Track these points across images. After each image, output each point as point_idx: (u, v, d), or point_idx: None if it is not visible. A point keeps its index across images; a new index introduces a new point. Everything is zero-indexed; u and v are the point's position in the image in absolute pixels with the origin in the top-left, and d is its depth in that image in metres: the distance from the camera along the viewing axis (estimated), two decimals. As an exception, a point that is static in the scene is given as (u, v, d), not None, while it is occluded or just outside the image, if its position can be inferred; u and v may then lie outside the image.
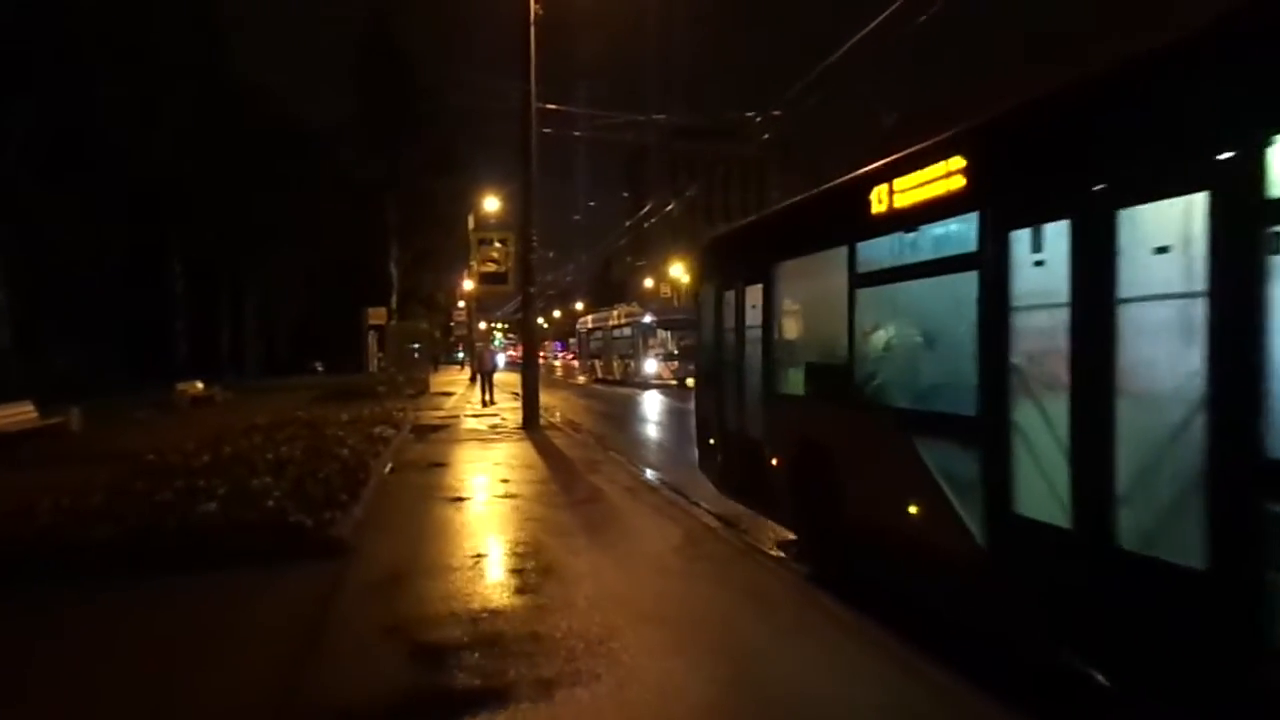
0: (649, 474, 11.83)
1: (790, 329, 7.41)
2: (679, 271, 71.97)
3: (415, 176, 41.35)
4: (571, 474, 11.34)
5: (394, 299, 42.08)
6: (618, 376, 39.17)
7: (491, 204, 36.75)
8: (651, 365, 36.01)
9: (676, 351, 36.07)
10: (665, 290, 68.73)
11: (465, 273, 46.56)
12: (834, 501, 6.14)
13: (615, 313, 41.66)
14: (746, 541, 7.77)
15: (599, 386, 38.56)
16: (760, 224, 8.04)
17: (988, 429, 4.46)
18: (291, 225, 38.97)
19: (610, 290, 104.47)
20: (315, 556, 6.98)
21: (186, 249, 39.43)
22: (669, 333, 36.48)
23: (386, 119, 41.13)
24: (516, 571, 6.69)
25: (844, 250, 6.02)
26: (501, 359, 39.37)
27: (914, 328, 5.59)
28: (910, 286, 5.37)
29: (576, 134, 34.20)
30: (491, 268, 22.63)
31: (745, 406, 8.02)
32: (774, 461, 7.23)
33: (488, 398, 25.32)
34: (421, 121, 41.34)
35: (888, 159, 5.57)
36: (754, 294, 7.81)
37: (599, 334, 43.59)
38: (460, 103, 43.18)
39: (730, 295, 8.35)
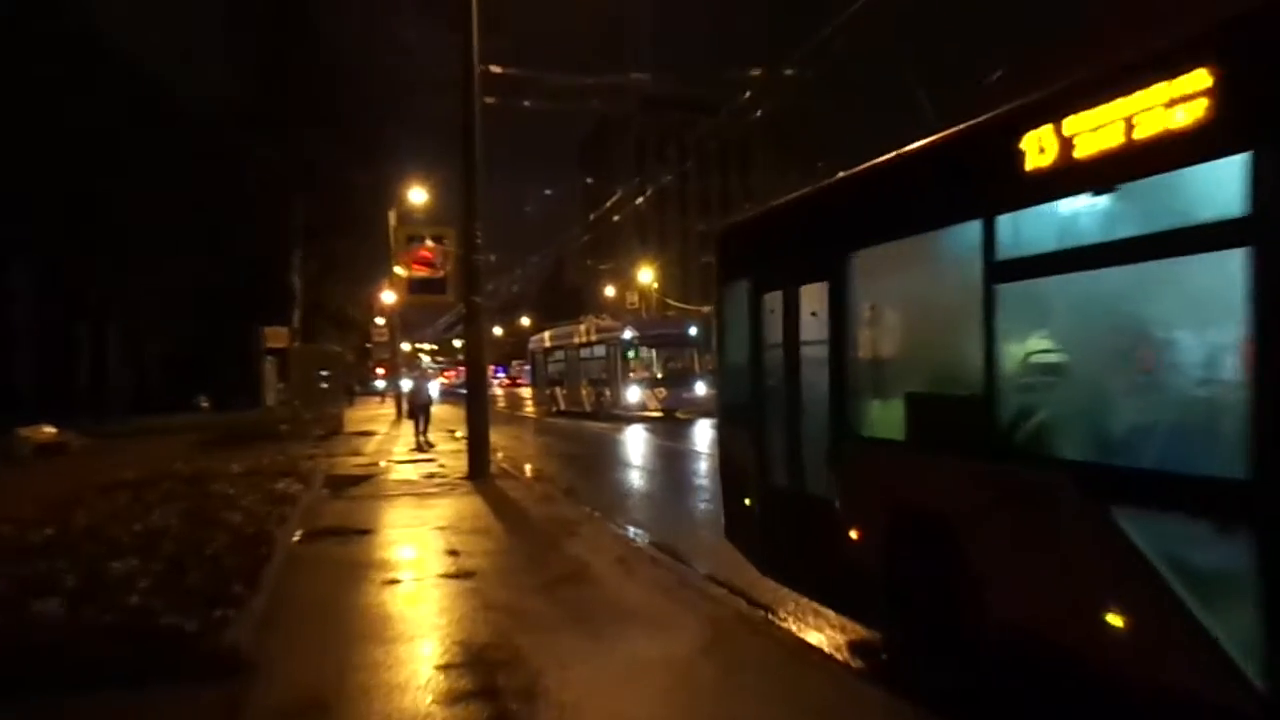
0: (643, 539, 11.55)
1: (875, 345, 6.78)
2: (649, 277, 71.62)
3: (324, 165, 40.30)
4: (541, 541, 10.97)
5: (297, 316, 40.87)
6: (587, 407, 38.80)
7: (418, 196, 35.99)
8: (634, 393, 35.69)
9: (663, 375, 35.82)
10: (632, 299, 68.29)
11: (386, 282, 45.77)
12: (959, 598, 5.42)
13: (583, 327, 41.34)
14: (800, 639, 7.24)
15: (561, 421, 38.24)
16: (820, 199, 7.32)
17: (1270, 499, 3.57)
18: (167, 226, 37.61)
19: (563, 300, 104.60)
20: (201, 676, 6.16)
21: (28, 256, 37.87)
22: (654, 351, 36.27)
23: (287, 94, 40.13)
24: (486, 696, 5.81)
25: (972, 228, 5.27)
26: (435, 388, 38.42)
27: (1109, 339, 4.66)
28: (1099, 279, 4.51)
29: (526, 104, 33.35)
30: (424, 272, 21.74)
31: (801, 454, 7.47)
32: (852, 534, 6.61)
33: (422, 439, 25.17)
34: (332, 98, 40.37)
35: (1053, 89, 4.77)
36: (812, 296, 7.23)
37: (560, 354, 43.20)
38: (382, 70, 42.25)
39: (773, 300, 7.85)
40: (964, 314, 5.41)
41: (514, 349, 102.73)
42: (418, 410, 25.98)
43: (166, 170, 36.45)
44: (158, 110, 37.33)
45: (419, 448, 24.19)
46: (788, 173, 64.46)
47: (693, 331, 36.92)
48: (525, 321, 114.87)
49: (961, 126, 5.70)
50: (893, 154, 6.47)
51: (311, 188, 40.83)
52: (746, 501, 8.62)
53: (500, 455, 20.96)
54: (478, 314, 17.48)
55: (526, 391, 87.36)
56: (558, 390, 42.73)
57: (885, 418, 6.40)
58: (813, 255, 7.31)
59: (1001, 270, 5.17)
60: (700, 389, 35.10)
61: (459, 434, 28.81)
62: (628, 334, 36.44)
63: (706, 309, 69.20)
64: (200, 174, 37.87)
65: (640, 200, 50.43)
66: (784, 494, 7.81)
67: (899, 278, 6.55)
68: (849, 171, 7.06)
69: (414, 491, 15.73)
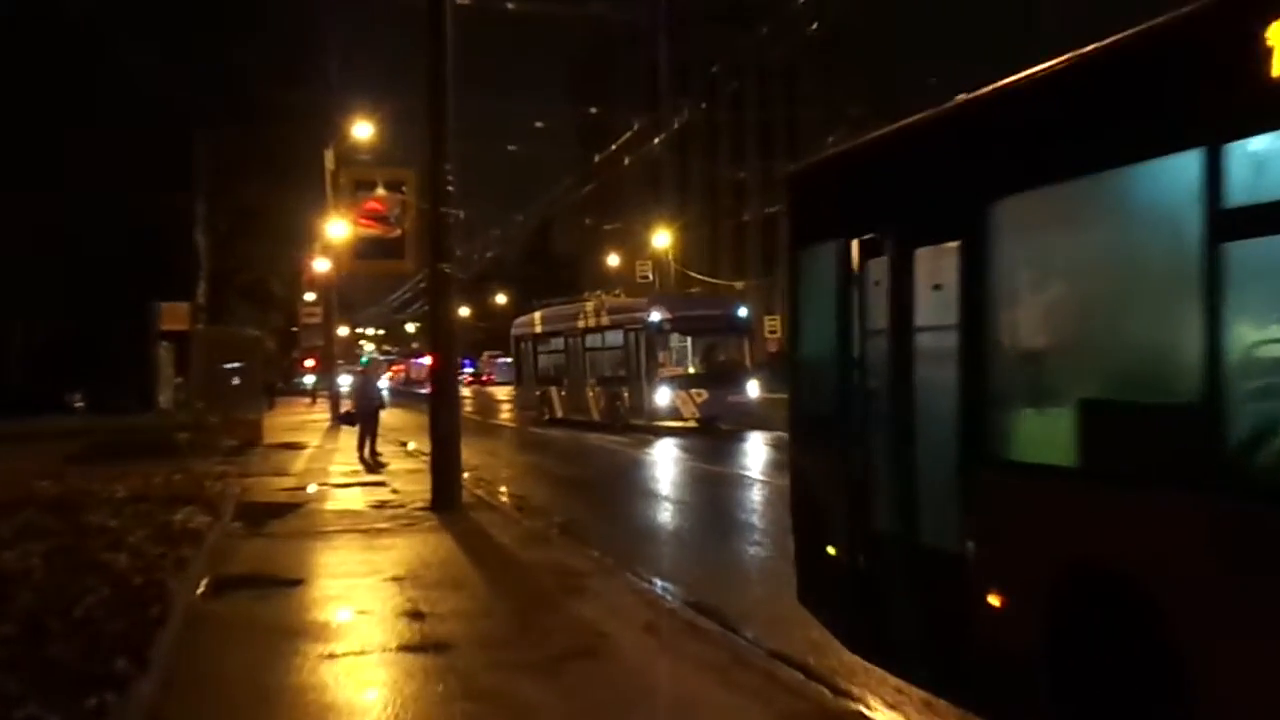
0: (677, 597, 11.45)
1: (1033, 331, 6.66)
2: (665, 242, 71.50)
3: (235, 80, 40.06)
4: (536, 599, 11.00)
5: (202, 289, 40.68)
6: (596, 414, 38.85)
7: (363, 131, 35.70)
8: (663, 395, 35.54)
9: (702, 372, 35.95)
10: (643, 271, 68.16)
11: (320, 245, 45.65)
12: (1165, 701, 5.17)
13: (589, 306, 41.28)
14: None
15: (557, 432, 38.17)
16: (954, 125, 7.17)
17: None
18: (27, 166, 37.31)
19: (550, 272, 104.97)
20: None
21: None
22: (689, 340, 36.43)
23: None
24: None
25: (1187, 162, 5.07)
26: (384, 387, 38.28)
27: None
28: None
29: (510, 4, 33.13)
30: (374, 230, 21.53)
31: (914, 485, 7.40)
32: (991, 599, 6.49)
33: (368, 453, 25.51)
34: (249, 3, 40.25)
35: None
36: (936, 263, 7.14)
37: (557, 343, 43.19)
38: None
39: (876, 268, 7.79)
40: (1173, 285, 5.25)
41: (486, 336, 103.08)
42: (364, 416, 26.10)
43: (19, 88, 36.12)
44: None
45: (365, 466, 24.42)
46: (850, 106, 64.35)
47: (741, 313, 37.01)
48: (501, 299, 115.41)
49: (1169, 18, 5.31)
50: (1065, 58, 6.14)
51: (219, 115, 40.50)
52: (830, 551, 8.50)
53: (473, 477, 21.31)
54: (448, 287, 17.46)
55: (503, 392, 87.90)
56: (553, 391, 42.57)
57: (1048, 434, 6.21)
58: (939, 205, 7.07)
59: (1234, 221, 4.91)
60: (751, 390, 35.20)
61: (414, 448, 29.04)
62: (655, 315, 36.04)
63: (740, 285, 69.24)
64: (66, 92, 37.47)
65: (657, 141, 49.89)
66: (886, 541, 7.70)
67: (1070, 235, 6.34)
68: (998, 85, 6.73)
69: (360, 526, 15.80)
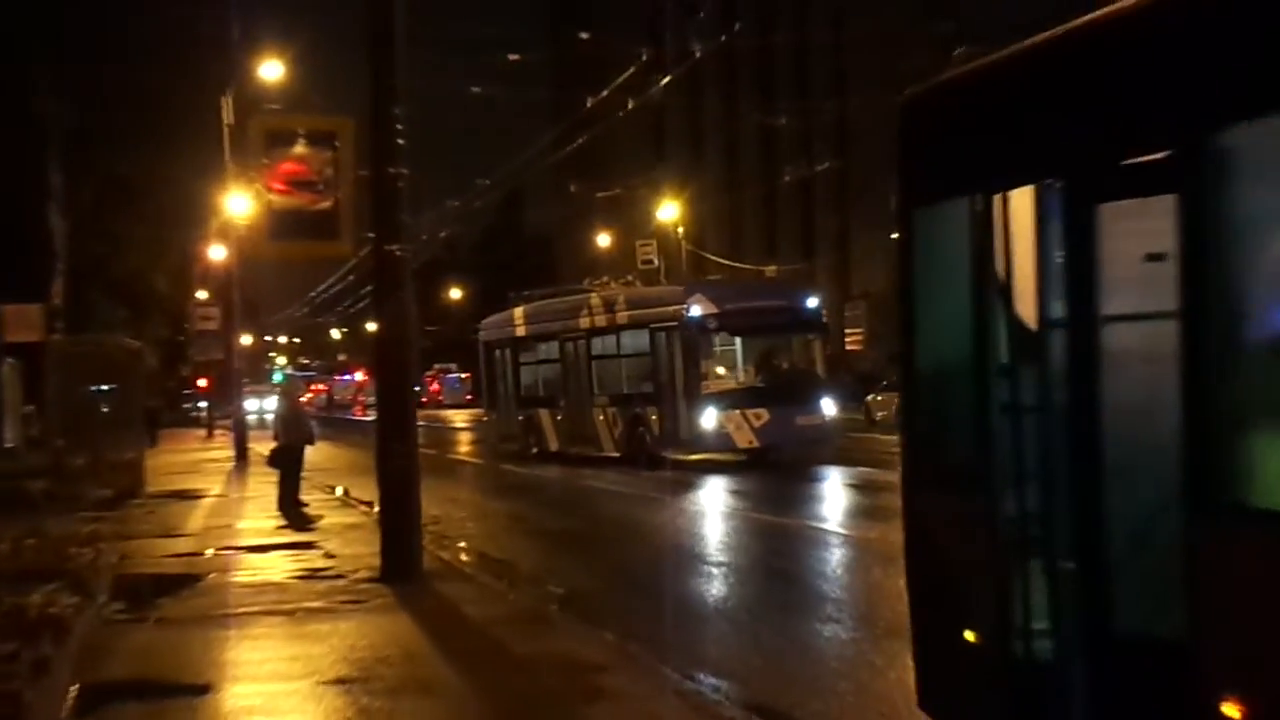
0: (732, 697, 11.50)
1: None
2: (673, 212, 71.27)
3: (99, 11, 39.83)
4: (537, 705, 11.17)
5: (58, 285, 40.30)
6: (609, 446, 38.72)
7: (271, 71, 35.37)
8: (709, 418, 35.00)
9: (760, 384, 35.67)
10: (644, 253, 68.00)
11: (218, 224, 45.20)
12: None
13: (595, 299, 41.15)
14: None
15: (549, 470, 38.12)
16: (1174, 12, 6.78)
17: None
18: None
19: (520, 256, 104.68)
20: None
21: None
22: (740, 341, 36.34)
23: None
24: None
25: None
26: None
27: None
28: None
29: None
30: (296, 200, 20.91)
31: (1114, 545, 7.16)
32: (1237, 712, 6.15)
33: (291, 501, 25.50)
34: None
35: None
36: (1143, 222, 6.89)
37: (549, 349, 43.37)
38: None
39: (1050, 230, 7.43)
40: None
41: (435, 343, 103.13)
42: (287, 454, 25.98)
43: None
44: None
45: (288, 520, 24.21)
46: (906, 36, 64.06)
47: (811, 304, 36.81)
48: (456, 294, 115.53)
49: None
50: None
51: (75, 49, 40.14)
52: (969, 637, 8.29)
53: (435, 534, 21.46)
54: (399, 277, 17.34)
55: (460, 416, 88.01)
56: (543, 415, 42.41)
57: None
58: (1159, 135, 6.68)
59: None
60: (826, 409, 35.31)
61: (347, 492, 29.24)
62: (696, 309, 35.25)
63: (770, 270, 69.19)
64: None
65: (665, 81, 49.44)
66: (1060, 625, 7.46)
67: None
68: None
69: (286, 605, 15.52)
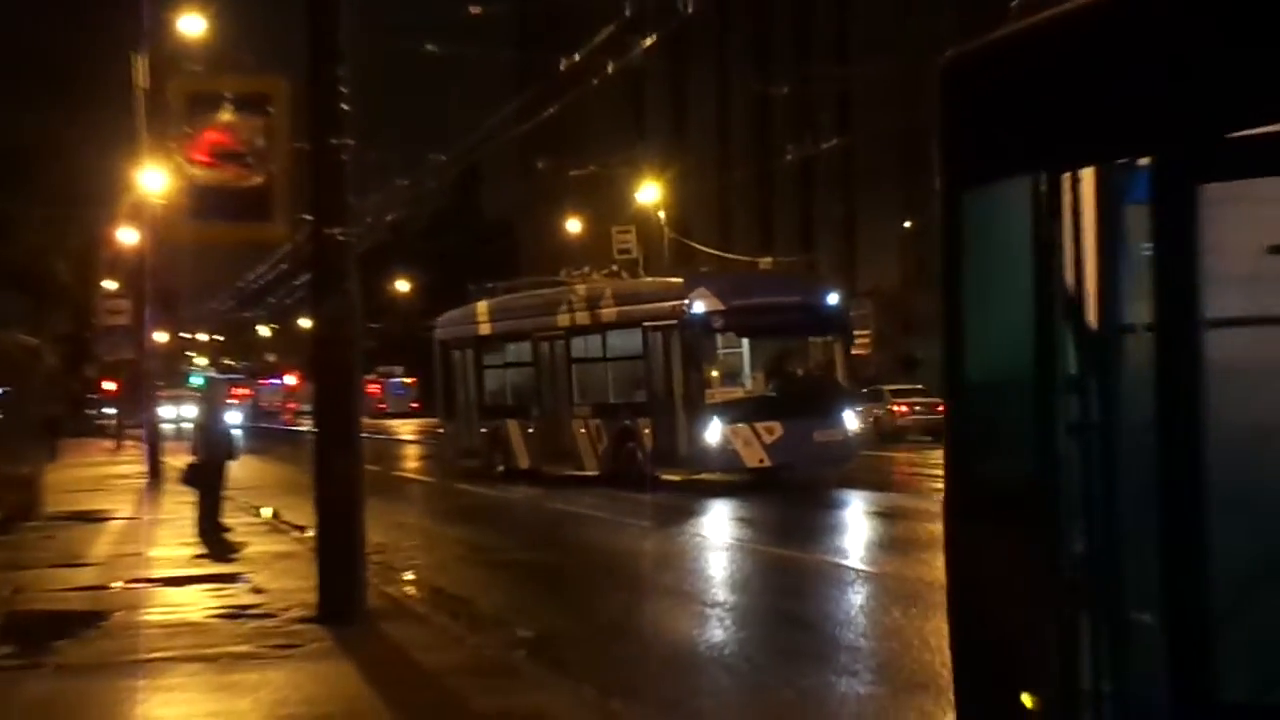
0: None
1: None
2: (654, 195, 72.42)
3: None
4: None
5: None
6: (593, 464, 38.47)
7: (192, 25, 35.08)
8: (714, 432, 34.66)
9: (773, 392, 35.59)
10: (621, 242, 67.86)
11: (123, 207, 44.88)
12: None
13: (577, 291, 41.05)
14: None
15: (517, 491, 38.04)
16: None
17: None
18: None
19: (477, 243, 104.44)
20: None
21: None
22: (746, 343, 36.23)
23: None
24: None
25: None
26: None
27: None
28: None
29: None
30: (222, 175, 20.60)
31: (1218, 594, 6.88)
32: None
33: (212, 525, 25.55)
34: None
35: None
36: (1259, 208, 6.73)
37: (519, 350, 43.18)
38: None
39: (1126, 214, 7.30)
40: None
41: (379, 343, 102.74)
42: (207, 470, 25.83)
43: None
44: None
45: (208, 547, 24.04)
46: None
47: (831, 300, 36.73)
48: (403, 286, 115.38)
49: None
50: None
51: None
52: (1027, 702, 8.02)
53: (380, 565, 21.36)
54: (344, 265, 17.13)
55: (407, 428, 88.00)
56: (512, 428, 42.08)
57: None
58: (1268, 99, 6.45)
59: None
60: (848, 423, 35.24)
61: (276, 514, 29.50)
62: (699, 305, 34.96)
63: (765, 262, 69.49)
64: None
65: (648, 43, 49.27)
66: (1142, 690, 7.22)
67: None
68: None
69: (206, 650, 15.21)
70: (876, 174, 79.67)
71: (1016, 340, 8.04)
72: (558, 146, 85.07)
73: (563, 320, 40.06)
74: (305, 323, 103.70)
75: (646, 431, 35.96)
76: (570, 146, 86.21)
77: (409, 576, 21.82)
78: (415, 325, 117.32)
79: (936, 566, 10.11)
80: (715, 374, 35.20)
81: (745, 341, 35.79)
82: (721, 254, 70.68)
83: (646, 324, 36.29)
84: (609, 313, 38.51)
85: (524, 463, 40.98)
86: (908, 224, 77.45)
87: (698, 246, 71.17)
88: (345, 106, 17.08)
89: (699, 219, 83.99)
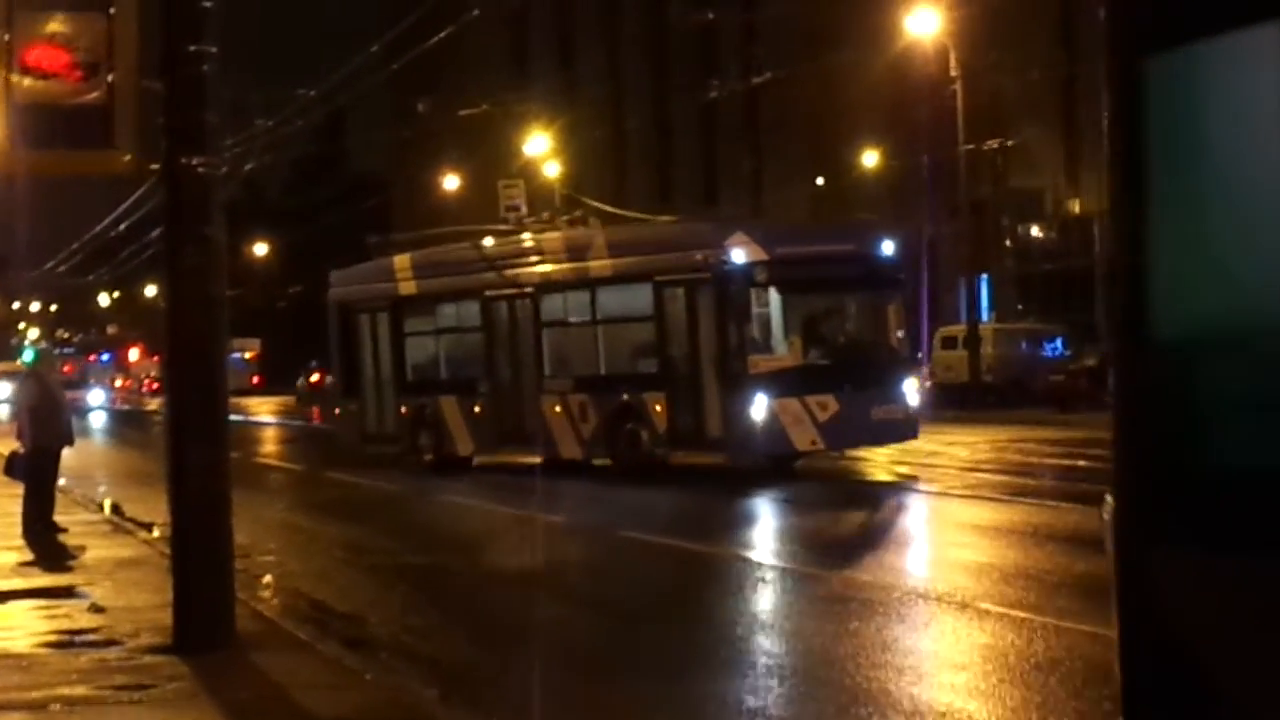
0: None
1: None
2: (544, 145, 70.27)
3: None
4: None
5: None
6: (570, 449, 36.05)
7: None
8: (759, 408, 32.19)
9: (823, 359, 33.51)
10: (509, 197, 66.15)
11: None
12: None
13: (546, 241, 38.59)
14: None
15: (451, 491, 35.16)
16: None
17: None
18: None
19: (346, 200, 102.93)
20: None
21: None
22: (782, 299, 33.20)
23: None
24: None
25: None
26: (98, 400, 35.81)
27: None
28: None
29: None
30: (49, 91, 18.92)
31: None
32: None
33: (42, 525, 24.84)
34: None
35: None
36: None
37: (462, 312, 40.66)
38: None
39: None
40: None
41: (234, 310, 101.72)
42: (35, 460, 25.15)
43: None
44: None
45: (36, 552, 23.34)
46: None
47: (887, 250, 34.47)
48: (261, 249, 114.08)
49: None
50: None
51: None
52: None
53: (246, 572, 20.33)
54: (207, 206, 15.89)
55: (264, 406, 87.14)
56: (446, 406, 39.40)
57: None
58: None
59: None
60: (909, 395, 33.34)
61: (118, 510, 29.14)
62: (739, 254, 32.47)
63: (664, 220, 68.58)
64: None
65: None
66: None
67: None
68: None
69: (29, 695, 13.85)
70: (785, 125, 79.31)
71: (1246, 273, 6.31)
72: (433, 91, 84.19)
73: (529, 275, 37.56)
74: (153, 290, 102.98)
75: (657, 409, 33.68)
76: (448, 92, 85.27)
77: (283, 588, 20.54)
78: (274, 293, 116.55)
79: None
80: (757, 338, 32.73)
81: (777, 299, 33.11)
82: (615, 210, 69.79)
83: (661, 278, 33.85)
84: (600, 265, 35.91)
85: (464, 448, 38.74)
86: (820, 181, 77.05)
87: (590, 203, 70.09)
88: (207, 3, 15.81)
89: (591, 172, 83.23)
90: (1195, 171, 6.82)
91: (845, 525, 26.05)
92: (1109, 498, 8.34)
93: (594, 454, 35.28)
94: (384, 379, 41.79)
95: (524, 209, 65.98)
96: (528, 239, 39.43)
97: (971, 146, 59.20)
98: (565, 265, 36.64)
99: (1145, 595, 7.48)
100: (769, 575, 20.66)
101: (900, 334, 34.36)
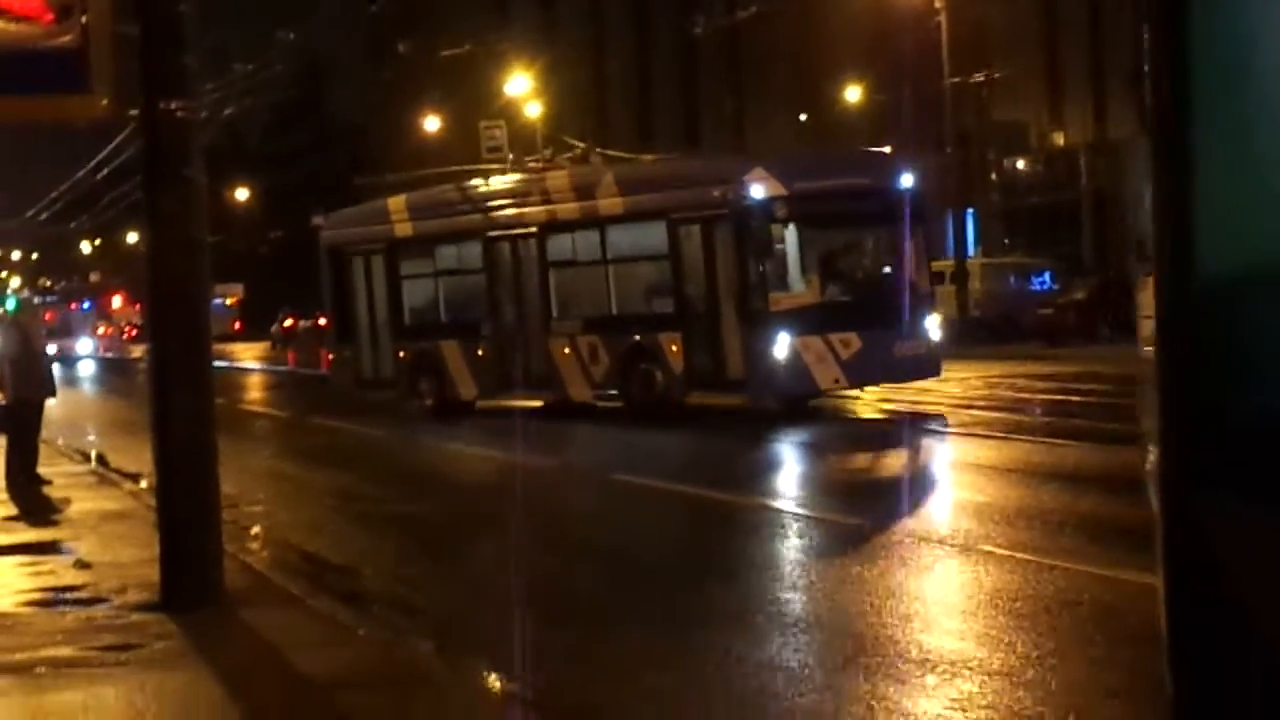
0: None
1: None
2: (525, 86, 70.60)
3: None
4: None
5: None
6: (579, 390, 35.43)
7: None
8: (781, 346, 31.47)
9: (844, 295, 32.82)
10: (490, 139, 66.39)
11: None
12: None
13: (553, 180, 37.46)
14: None
15: (455, 438, 34.52)
16: None
17: None
18: None
19: (324, 146, 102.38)
20: None
21: None
22: (799, 234, 32.60)
23: None
24: None
25: None
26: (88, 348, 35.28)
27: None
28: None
29: None
30: (18, 34, 18.59)
31: None
32: None
33: (26, 478, 24.82)
34: None
35: None
36: None
37: (464, 254, 39.63)
38: None
39: None
40: None
41: (216, 256, 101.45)
42: (19, 411, 25.09)
43: None
44: None
45: (20, 506, 23.14)
46: None
47: (905, 181, 33.56)
48: (242, 194, 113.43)
49: None
50: None
51: None
52: None
53: (234, 523, 19.86)
54: (186, 150, 15.65)
55: (248, 353, 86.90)
56: (447, 350, 38.59)
57: None
58: None
59: None
60: (931, 330, 32.64)
61: (103, 460, 29.14)
62: (759, 189, 31.79)
63: (648, 159, 68.34)
64: None
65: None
66: None
67: None
68: None
69: (13, 657, 13.61)
70: (767, 63, 78.82)
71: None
72: (412, 33, 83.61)
73: (534, 215, 36.65)
74: (135, 237, 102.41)
75: (673, 349, 32.94)
76: (427, 34, 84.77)
77: (272, 539, 20.20)
78: (255, 239, 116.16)
79: None
80: (777, 275, 32.26)
81: (797, 234, 32.70)
82: (602, 151, 69.47)
83: (677, 215, 33.08)
84: (610, 204, 35.09)
85: (466, 392, 38.08)
86: (803, 117, 76.53)
87: (573, 143, 69.74)
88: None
89: (572, 114, 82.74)
90: (1245, 90, 6.30)
91: (845, 468, 25.46)
92: (1151, 445, 7.84)
93: (604, 395, 34.67)
94: (380, 323, 40.88)
95: (505, 149, 65.82)
96: (532, 178, 38.53)
97: (957, 80, 58.71)
98: (573, 204, 35.95)
99: (1192, 545, 6.93)
100: (775, 521, 20.01)
101: (921, 268, 33.57)
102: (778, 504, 21.60)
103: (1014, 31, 65.82)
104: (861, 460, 26.46)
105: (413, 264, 40.54)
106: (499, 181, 39.94)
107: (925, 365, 32.48)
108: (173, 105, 15.41)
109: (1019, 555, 15.80)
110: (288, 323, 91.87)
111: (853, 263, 33.57)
